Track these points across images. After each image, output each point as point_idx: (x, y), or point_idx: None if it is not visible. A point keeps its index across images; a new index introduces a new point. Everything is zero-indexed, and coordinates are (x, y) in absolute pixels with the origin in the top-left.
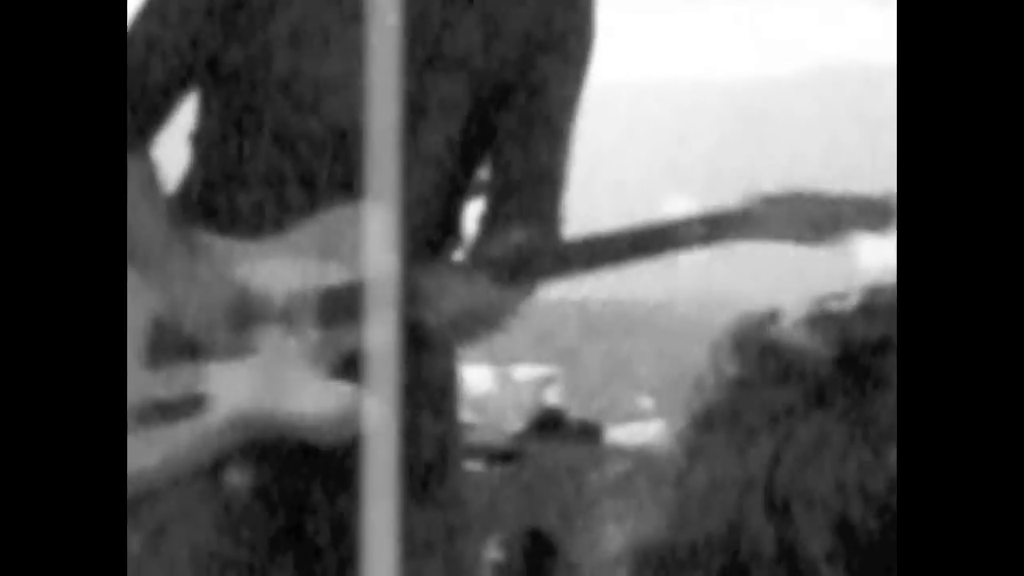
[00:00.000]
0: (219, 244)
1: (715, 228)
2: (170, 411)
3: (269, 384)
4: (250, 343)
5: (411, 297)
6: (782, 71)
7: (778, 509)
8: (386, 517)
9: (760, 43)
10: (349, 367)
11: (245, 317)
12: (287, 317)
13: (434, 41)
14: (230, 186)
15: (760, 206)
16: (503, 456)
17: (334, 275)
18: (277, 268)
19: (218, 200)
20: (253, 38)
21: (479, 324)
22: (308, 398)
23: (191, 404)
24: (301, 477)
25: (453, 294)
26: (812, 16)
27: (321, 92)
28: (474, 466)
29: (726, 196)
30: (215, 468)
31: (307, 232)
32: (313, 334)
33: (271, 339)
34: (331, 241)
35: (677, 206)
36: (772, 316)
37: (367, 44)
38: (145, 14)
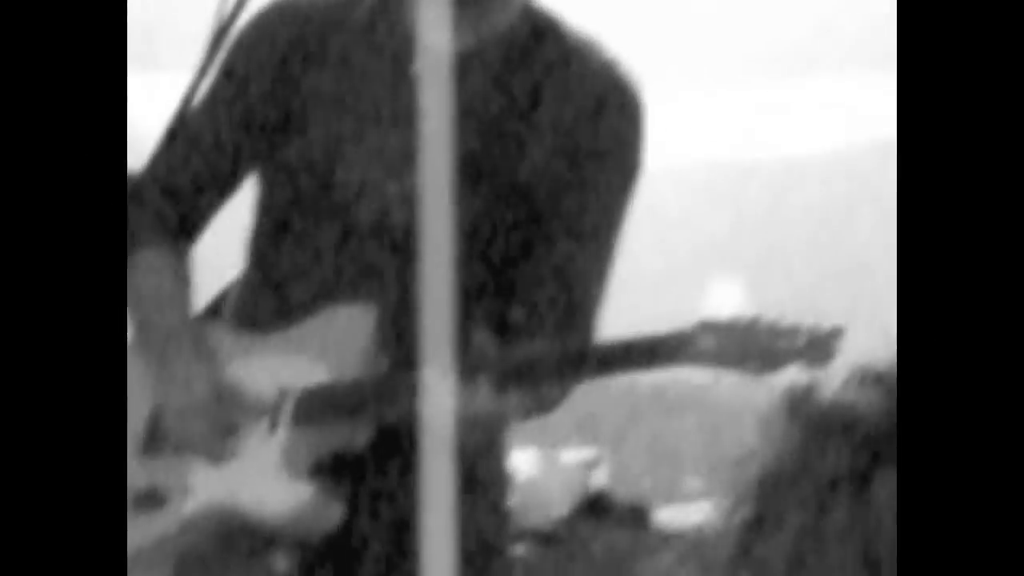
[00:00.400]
0: (224, 341)
1: (654, 354)
2: (159, 500)
3: (243, 480)
4: (232, 439)
5: (407, 398)
6: (814, 151)
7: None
8: None
9: (795, 123)
10: (327, 467)
11: (230, 415)
12: (271, 415)
13: (470, 146)
14: (269, 285)
15: (699, 334)
16: (550, 539)
17: (322, 374)
18: (271, 365)
19: (259, 300)
20: (296, 138)
21: (476, 430)
22: (275, 496)
23: (178, 494)
24: (348, 565)
25: (451, 397)
26: (838, 95)
27: (360, 194)
28: (522, 550)
29: (770, 281)
30: (264, 554)
31: (305, 330)
32: (292, 433)
33: (252, 436)
34: (325, 340)
35: (722, 295)
36: (815, 385)
37: (414, 146)
38: (191, 113)
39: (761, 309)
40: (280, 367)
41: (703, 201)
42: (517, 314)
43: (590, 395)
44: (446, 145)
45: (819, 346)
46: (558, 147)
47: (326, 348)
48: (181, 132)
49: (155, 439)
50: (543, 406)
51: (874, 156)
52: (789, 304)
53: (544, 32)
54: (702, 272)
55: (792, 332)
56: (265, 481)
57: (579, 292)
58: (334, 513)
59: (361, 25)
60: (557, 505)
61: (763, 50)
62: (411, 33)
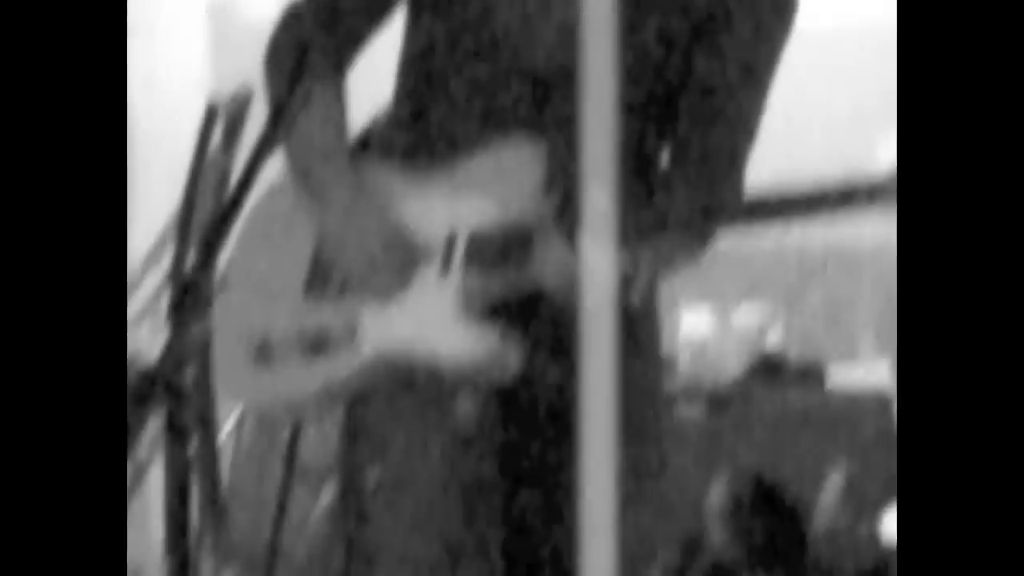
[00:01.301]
0: (387, 179)
1: (850, 197)
2: (327, 343)
3: (417, 324)
4: (403, 282)
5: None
6: None
7: None
8: (603, 457)
9: None
10: (501, 311)
11: (401, 256)
12: (442, 257)
13: None
14: (421, 121)
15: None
16: (723, 401)
17: (491, 214)
18: (438, 205)
19: (410, 135)
20: None
21: (679, 255)
22: (452, 342)
23: (346, 337)
24: (524, 412)
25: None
26: None
27: (519, 32)
28: (694, 411)
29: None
30: (447, 397)
31: (473, 171)
32: (466, 276)
33: (424, 279)
34: (493, 179)
35: (890, 148)
36: None
37: None
38: None
39: None
40: (447, 207)
41: (864, 60)
42: (670, 160)
43: (763, 257)
44: None
45: None
46: None
47: (495, 187)
48: None
49: (319, 280)
50: (686, 256)
51: None
52: None
53: None
54: (867, 127)
55: None
56: (440, 326)
57: (732, 138)
58: (512, 358)
59: None
60: (730, 366)
61: None
62: None
